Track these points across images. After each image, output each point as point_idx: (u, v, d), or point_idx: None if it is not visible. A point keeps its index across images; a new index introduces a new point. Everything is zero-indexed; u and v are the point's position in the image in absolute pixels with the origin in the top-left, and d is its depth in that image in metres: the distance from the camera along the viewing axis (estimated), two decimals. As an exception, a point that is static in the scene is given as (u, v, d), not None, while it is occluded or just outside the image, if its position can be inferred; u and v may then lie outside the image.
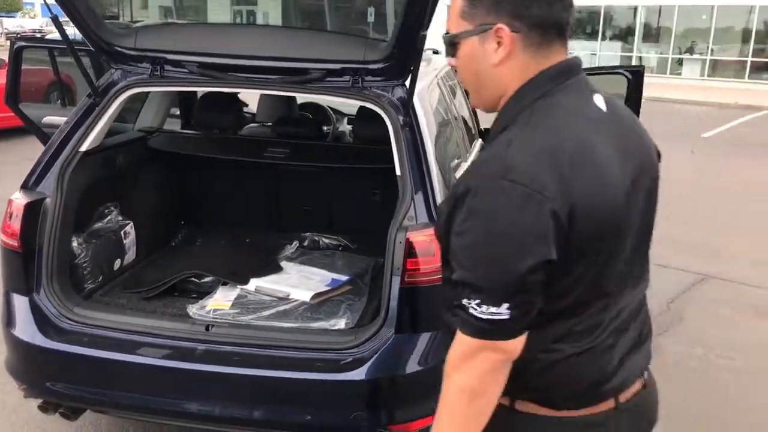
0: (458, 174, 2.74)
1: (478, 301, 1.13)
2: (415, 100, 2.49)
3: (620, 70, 4.24)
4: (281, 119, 3.42)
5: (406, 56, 2.24)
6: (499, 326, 1.14)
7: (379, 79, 2.40)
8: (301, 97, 3.52)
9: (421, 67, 2.76)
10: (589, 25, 24.05)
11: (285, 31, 2.78)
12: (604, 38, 24.04)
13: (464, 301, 1.14)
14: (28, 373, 2.32)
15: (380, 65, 2.32)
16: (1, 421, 2.81)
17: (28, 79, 4.24)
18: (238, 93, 3.16)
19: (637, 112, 4.09)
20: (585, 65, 1.43)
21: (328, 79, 2.44)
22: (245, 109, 3.99)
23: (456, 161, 2.82)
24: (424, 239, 2.15)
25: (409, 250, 2.13)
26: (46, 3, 2.37)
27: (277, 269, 2.76)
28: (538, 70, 1.22)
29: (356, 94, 2.42)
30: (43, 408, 2.36)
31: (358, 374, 2.11)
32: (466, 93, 2.63)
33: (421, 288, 2.16)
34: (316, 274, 2.69)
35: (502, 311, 1.12)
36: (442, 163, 2.45)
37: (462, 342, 1.19)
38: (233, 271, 2.69)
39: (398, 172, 2.28)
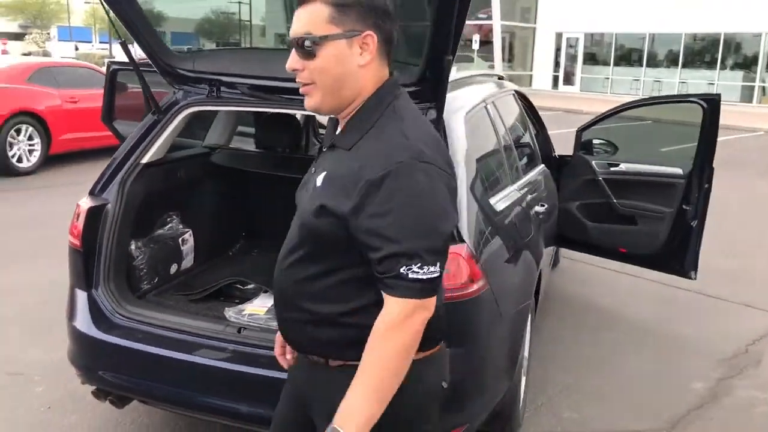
0: (499, 196, 2.77)
1: (419, 264, 1.32)
2: (453, 121, 2.57)
3: (694, 99, 4.10)
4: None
5: (435, 80, 2.32)
6: (435, 284, 1.36)
7: (413, 101, 2.48)
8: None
9: (471, 91, 2.85)
10: (708, 54, 23.05)
11: None
12: (723, 67, 22.92)
13: (401, 270, 1.32)
14: (83, 361, 2.56)
15: (413, 88, 2.40)
16: (71, 406, 3.10)
17: (130, 100, 4.67)
18: (296, 114, 3.35)
19: (713, 144, 3.94)
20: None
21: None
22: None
23: (499, 183, 2.86)
24: (455, 258, 2.19)
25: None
26: (117, 31, 2.65)
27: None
28: (384, 78, 1.46)
29: (392, 116, 2.51)
30: (96, 394, 2.60)
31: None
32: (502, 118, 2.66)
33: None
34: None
35: (437, 270, 1.35)
36: (474, 183, 2.50)
37: (399, 305, 1.34)
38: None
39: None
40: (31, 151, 8.39)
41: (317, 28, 1.41)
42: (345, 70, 1.42)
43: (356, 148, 1.45)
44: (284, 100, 2.60)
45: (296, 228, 1.55)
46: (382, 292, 1.36)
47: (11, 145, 8.13)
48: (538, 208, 3.22)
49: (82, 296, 2.57)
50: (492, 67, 29.93)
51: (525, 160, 3.63)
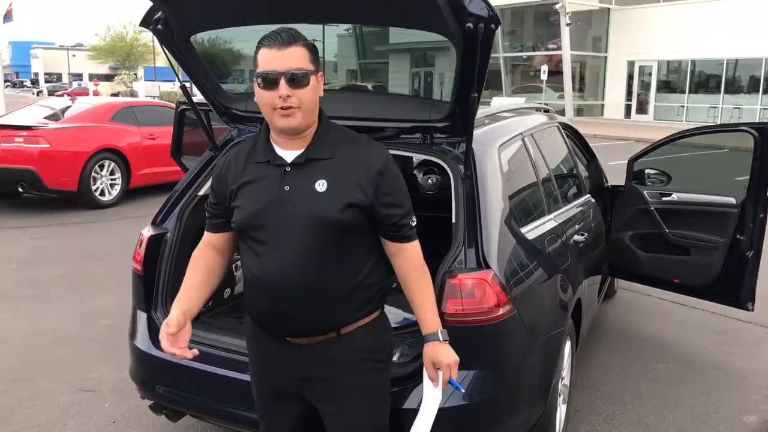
0: (532, 225, 2.86)
1: (413, 217, 1.99)
2: (486, 154, 2.70)
3: (745, 127, 4.08)
4: None
5: (463, 115, 2.46)
6: None
7: (444, 136, 2.63)
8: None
9: (508, 125, 2.99)
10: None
11: (366, 95, 3.12)
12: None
13: (411, 223, 1.98)
14: (142, 377, 2.79)
15: (444, 124, 2.55)
16: (134, 422, 3.34)
17: (199, 137, 5.01)
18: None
19: (766, 173, 3.89)
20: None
21: (403, 136, 2.73)
22: None
23: (533, 212, 2.96)
24: (470, 282, 2.32)
25: (454, 291, 2.32)
26: (176, 75, 2.92)
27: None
28: None
29: (425, 150, 2.67)
30: (153, 408, 2.82)
31: (402, 404, 2.30)
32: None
33: (465, 327, 2.32)
34: (391, 313, 2.91)
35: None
36: (505, 212, 2.61)
37: (416, 245, 2.01)
38: None
39: (453, 220, 2.48)
40: (112, 185, 8.98)
41: (306, 64, 1.84)
42: (315, 98, 1.89)
43: (339, 156, 1.92)
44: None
45: (311, 228, 1.86)
46: (402, 243, 1.97)
47: (95, 180, 8.73)
48: (577, 237, 3.28)
49: (142, 317, 2.81)
50: (562, 97, 29.80)
51: (567, 190, 3.70)
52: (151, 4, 2.51)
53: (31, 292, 5.35)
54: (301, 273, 1.87)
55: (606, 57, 30.75)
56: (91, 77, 60.52)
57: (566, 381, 3.25)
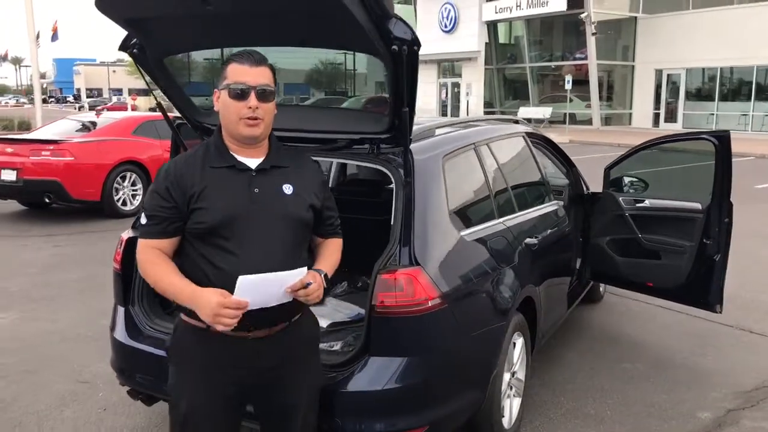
0: (474, 228, 3.10)
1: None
2: (429, 161, 2.95)
3: (705, 136, 4.24)
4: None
5: (399, 128, 2.71)
6: None
7: (389, 146, 2.88)
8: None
9: (459, 135, 3.24)
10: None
11: (319, 110, 3.38)
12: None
13: (338, 222, 2.40)
14: (119, 365, 3.09)
15: (387, 135, 2.81)
16: (122, 409, 3.64)
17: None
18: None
19: (728, 179, 4.05)
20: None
21: (355, 147, 2.99)
22: None
23: (477, 217, 3.19)
24: (399, 277, 2.57)
25: (385, 286, 2.57)
26: (152, 94, 3.23)
27: (319, 302, 3.31)
28: None
29: (373, 159, 2.93)
30: (130, 394, 3.11)
31: (334, 386, 2.55)
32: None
33: (396, 318, 2.57)
34: (346, 308, 3.19)
35: None
36: (442, 215, 2.85)
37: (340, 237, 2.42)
38: None
39: (392, 222, 2.73)
40: (134, 196, 9.41)
41: (271, 82, 2.14)
42: (274, 113, 2.18)
43: (292, 164, 2.24)
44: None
45: (283, 226, 2.12)
46: (331, 237, 2.36)
47: (117, 191, 9.18)
48: (529, 240, 3.49)
49: (120, 311, 3.12)
50: (589, 106, 29.74)
51: (526, 196, 3.90)
52: (126, 33, 2.84)
53: (46, 294, 5.73)
54: (277, 266, 2.05)
55: (633, 65, 30.59)
56: (130, 92, 62.19)
57: (520, 375, 3.45)
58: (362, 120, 2.96)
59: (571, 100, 29.24)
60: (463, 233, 2.97)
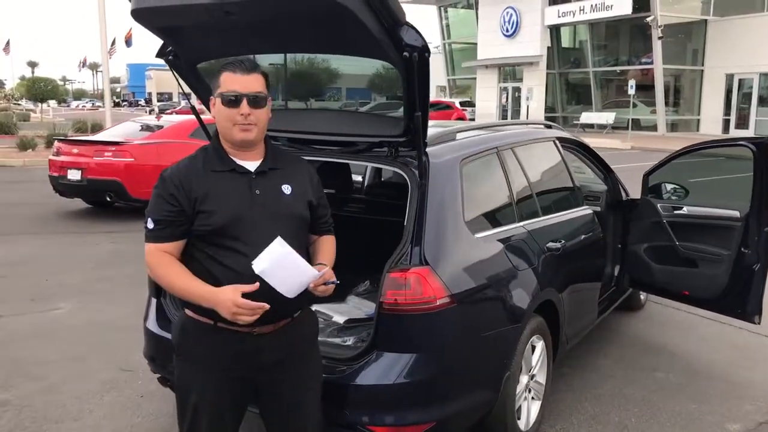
0: (490, 231, 3.14)
1: None
2: (446, 165, 3.02)
3: (743, 142, 4.15)
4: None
5: (415, 131, 2.78)
6: None
7: (407, 149, 2.96)
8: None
9: (480, 139, 3.30)
10: None
11: (341, 114, 3.48)
12: None
13: (331, 220, 2.53)
14: (150, 354, 3.27)
15: (403, 138, 2.90)
16: (159, 396, 3.84)
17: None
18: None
19: (767, 190, 3.95)
20: None
21: (375, 150, 3.09)
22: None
23: (495, 220, 3.23)
24: (408, 276, 2.65)
25: (393, 284, 2.65)
26: (186, 96, 3.41)
27: (341, 299, 3.42)
28: None
29: (391, 162, 3.02)
30: (161, 381, 3.30)
31: (343, 380, 2.65)
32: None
33: (404, 316, 2.65)
34: (366, 307, 3.28)
35: None
36: (456, 217, 2.91)
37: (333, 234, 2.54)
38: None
39: (405, 223, 2.81)
40: (190, 196, 9.75)
41: (263, 89, 2.23)
42: (267, 117, 2.28)
43: (287, 166, 2.36)
44: (314, 150, 3.22)
45: (286, 223, 2.23)
46: (325, 234, 2.48)
47: (174, 191, 9.53)
48: (551, 245, 3.51)
49: (153, 303, 3.31)
50: (654, 111, 28.94)
51: (552, 201, 3.90)
52: (162, 41, 3.03)
53: (100, 288, 6.05)
54: None
55: (703, 70, 29.61)
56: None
57: (540, 379, 3.47)
58: (381, 124, 3.05)
59: (635, 106, 28.54)
60: (478, 235, 3.02)
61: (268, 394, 2.36)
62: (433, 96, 44.40)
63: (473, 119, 31.70)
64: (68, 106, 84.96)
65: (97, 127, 23.03)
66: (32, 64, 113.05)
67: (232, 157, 2.29)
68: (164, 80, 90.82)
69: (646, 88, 28.84)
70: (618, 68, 31.77)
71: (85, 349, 4.58)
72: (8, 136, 21.94)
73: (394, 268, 2.67)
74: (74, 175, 9.26)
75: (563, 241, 3.61)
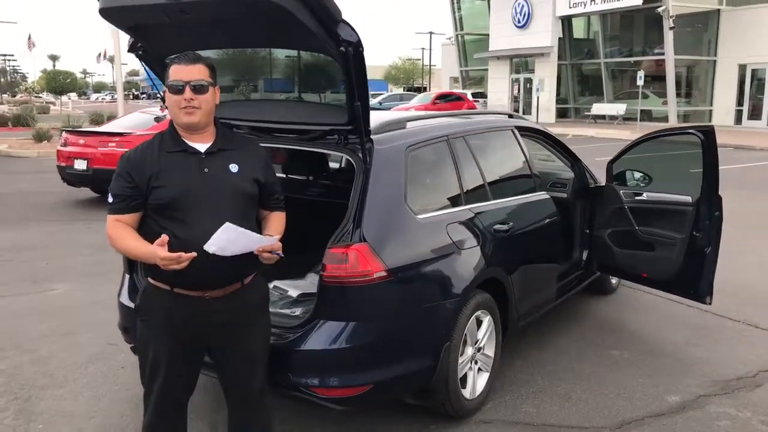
0: (432, 213, 3.38)
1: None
2: (391, 152, 3.27)
3: (691, 130, 4.35)
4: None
5: (355, 121, 3.02)
6: None
7: (354, 136, 3.21)
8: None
9: (431, 128, 3.54)
10: None
11: (297, 104, 3.72)
12: None
13: (282, 197, 2.79)
14: (123, 325, 3.57)
15: (349, 127, 3.15)
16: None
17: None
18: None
19: (715, 173, 4.15)
20: None
21: (328, 137, 3.35)
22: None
23: (437, 203, 3.48)
24: (345, 252, 2.91)
25: (333, 258, 2.92)
26: (158, 91, 3.68)
27: (300, 276, 3.71)
28: None
29: (341, 148, 3.28)
30: (133, 350, 3.58)
31: (288, 346, 2.93)
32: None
33: (342, 287, 2.91)
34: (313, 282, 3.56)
35: None
36: (396, 200, 3.17)
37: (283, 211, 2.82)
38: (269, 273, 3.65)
39: (349, 203, 3.07)
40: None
41: (206, 78, 2.50)
42: (212, 103, 2.54)
43: (238, 147, 2.62)
44: (273, 138, 3.48)
45: (231, 198, 2.50)
46: (276, 210, 2.75)
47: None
48: (498, 226, 3.74)
49: (126, 279, 3.60)
50: (665, 103, 28.83)
51: (505, 186, 4.13)
52: (132, 39, 3.31)
53: (98, 271, 6.38)
54: None
55: (715, 60, 29.41)
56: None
57: (488, 352, 3.72)
58: (331, 113, 3.29)
59: (646, 97, 28.45)
60: (421, 216, 3.26)
61: (218, 352, 2.67)
62: (447, 87, 44.49)
63: (484, 111, 31.72)
64: (88, 98, 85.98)
65: (113, 119, 23.52)
66: (53, 58, 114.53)
67: (184, 140, 2.57)
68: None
69: (658, 79, 28.73)
70: (632, 59, 31.64)
71: (76, 326, 4.90)
72: (26, 128, 22.48)
73: (336, 245, 2.93)
74: (81, 165, 9.62)
75: (511, 224, 3.84)
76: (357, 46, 2.74)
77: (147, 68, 3.45)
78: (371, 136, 3.23)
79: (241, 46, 3.21)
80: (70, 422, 3.53)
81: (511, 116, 4.77)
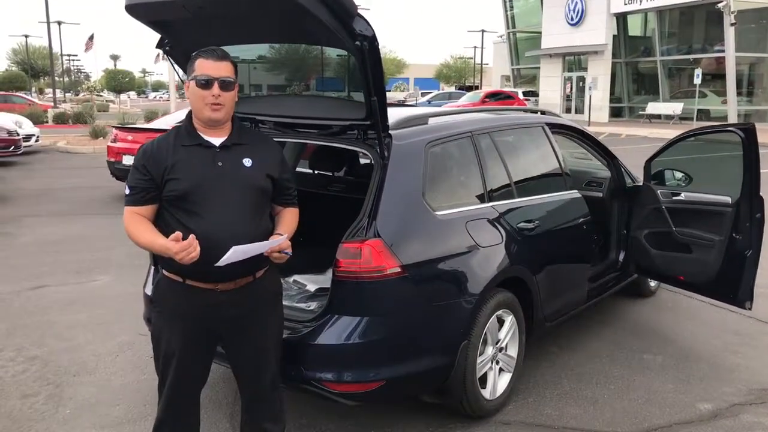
0: (453, 210, 3.33)
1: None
2: (411, 147, 3.25)
3: (731, 128, 4.18)
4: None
5: (373, 115, 3.01)
6: None
7: (373, 132, 3.19)
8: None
9: (453, 124, 3.51)
10: None
11: (310, 98, 3.72)
12: None
13: (295, 193, 2.81)
14: (148, 316, 3.63)
15: (367, 122, 3.13)
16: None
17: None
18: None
19: (756, 172, 3.98)
20: None
21: (348, 132, 3.34)
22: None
23: (460, 199, 3.43)
24: (359, 247, 2.89)
25: (346, 253, 2.91)
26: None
27: (321, 271, 3.71)
28: None
29: (360, 144, 3.26)
30: (155, 340, 3.65)
31: (301, 339, 2.94)
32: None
33: (355, 282, 2.90)
34: (325, 275, 3.56)
35: None
36: (414, 195, 3.14)
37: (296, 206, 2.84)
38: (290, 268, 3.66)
39: (365, 199, 3.05)
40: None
41: (232, 74, 2.55)
42: (234, 100, 2.59)
43: (252, 142, 2.64)
44: (296, 133, 3.50)
45: (244, 192, 2.53)
46: (289, 206, 2.76)
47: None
48: (522, 225, 3.67)
49: (151, 270, 3.67)
50: (725, 102, 27.83)
51: (532, 184, 4.04)
52: (159, 35, 3.37)
53: (138, 264, 6.51)
54: (239, 226, 2.48)
55: (779, 58, 28.28)
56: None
57: (511, 352, 3.65)
58: (349, 108, 3.28)
59: (705, 96, 27.54)
60: (440, 213, 3.22)
61: (230, 344, 2.71)
62: (498, 86, 44.05)
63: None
64: (146, 96, 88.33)
65: (165, 116, 24.13)
66: (114, 58, 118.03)
67: (200, 134, 2.60)
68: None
69: (718, 77, 27.77)
70: (690, 57, 30.68)
71: (112, 316, 5.04)
72: (85, 125, 23.25)
73: (350, 240, 2.93)
74: (129, 160, 9.85)
75: (537, 222, 3.77)
76: (372, 41, 2.73)
77: (173, 63, 3.51)
78: (390, 132, 3.21)
79: (261, 41, 3.23)
80: (95, 409, 3.62)
81: (543, 113, 4.68)
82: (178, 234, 2.40)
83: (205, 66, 2.52)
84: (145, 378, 3.98)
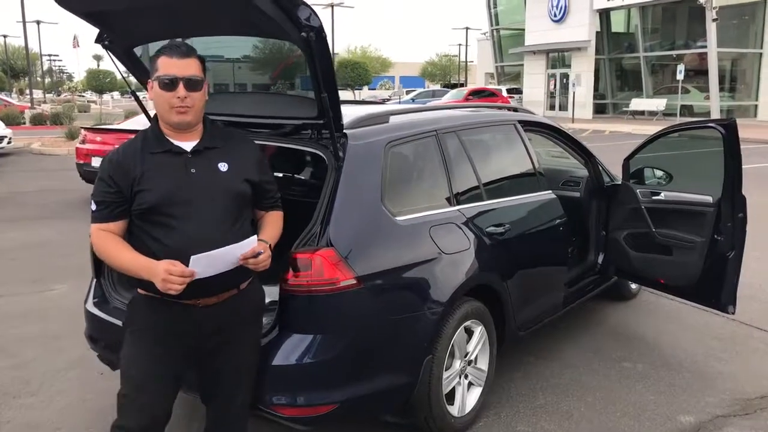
0: (413, 215, 3.09)
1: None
2: (362, 149, 2.99)
3: (712, 124, 3.98)
4: None
5: (326, 112, 2.76)
6: None
7: (326, 131, 2.95)
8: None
9: (416, 122, 3.27)
10: None
11: (261, 95, 3.47)
12: None
13: (278, 195, 2.61)
14: (89, 333, 3.37)
15: (321, 121, 2.88)
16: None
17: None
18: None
19: (737, 170, 3.78)
20: None
21: (302, 132, 3.09)
22: None
23: (420, 203, 3.19)
24: (310, 257, 2.64)
25: (296, 265, 2.66)
26: (127, 83, 3.49)
27: (276, 282, 3.45)
28: None
29: (314, 144, 3.02)
30: (100, 359, 3.39)
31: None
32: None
33: (306, 296, 2.65)
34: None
35: None
36: (371, 200, 2.89)
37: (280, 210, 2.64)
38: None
39: (318, 204, 2.81)
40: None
41: (198, 72, 2.29)
42: (204, 100, 2.34)
43: (227, 144, 2.41)
44: (251, 134, 3.24)
45: (222, 199, 2.30)
46: (272, 210, 2.56)
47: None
48: (492, 229, 3.44)
49: (94, 283, 3.41)
50: (708, 98, 27.84)
51: (502, 186, 3.81)
52: (97, 30, 3.11)
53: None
54: (219, 237, 2.24)
55: (761, 53, 28.31)
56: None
57: (481, 365, 3.43)
58: (301, 106, 3.03)
59: (687, 91, 27.52)
60: (400, 218, 2.98)
61: (206, 364, 2.47)
62: (482, 83, 43.90)
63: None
64: (130, 97, 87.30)
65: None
66: (97, 58, 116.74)
67: (169, 139, 2.35)
68: (221, 72, 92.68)
69: (701, 73, 27.77)
70: (673, 53, 30.68)
71: (65, 328, 4.75)
72: (63, 126, 22.80)
73: (300, 249, 2.68)
74: (98, 162, 9.56)
75: (507, 226, 3.54)
76: (319, 31, 2.48)
77: (113, 60, 3.25)
78: (346, 131, 2.97)
79: (205, 34, 2.98)
80: (34, 433, 3.36)
81: (516, 110, 4.45)
82: (177, 269, 2.14)
83: (168, 64, 2.25)
84: (91, 398, 3.72)
